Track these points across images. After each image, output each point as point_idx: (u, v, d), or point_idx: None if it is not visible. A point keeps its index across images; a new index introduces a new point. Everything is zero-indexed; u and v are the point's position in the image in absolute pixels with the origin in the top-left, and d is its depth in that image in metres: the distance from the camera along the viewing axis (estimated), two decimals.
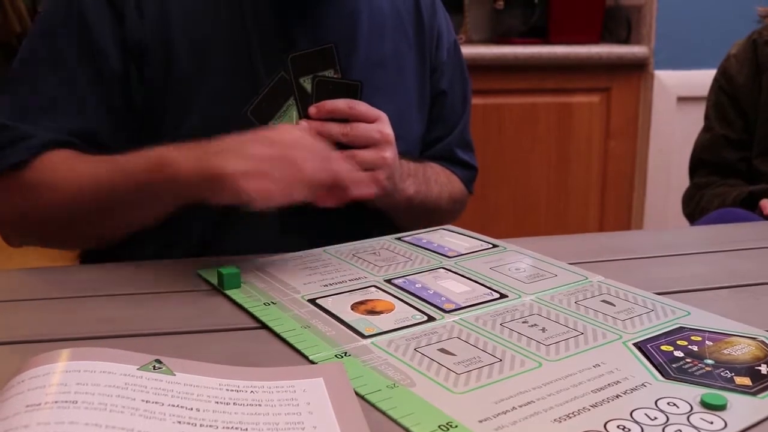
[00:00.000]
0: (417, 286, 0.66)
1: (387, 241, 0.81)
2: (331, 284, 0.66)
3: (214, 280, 0.68)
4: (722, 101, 1.39)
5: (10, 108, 0.80)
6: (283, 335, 0.56)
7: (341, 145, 0.85)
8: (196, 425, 0.41)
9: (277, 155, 0.68)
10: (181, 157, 0.71)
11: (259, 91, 0.85)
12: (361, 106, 0.85)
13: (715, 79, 1.43)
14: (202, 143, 0.72)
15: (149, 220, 0.78)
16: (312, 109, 0.85)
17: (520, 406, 0.45)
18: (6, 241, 0.86)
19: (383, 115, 0.86)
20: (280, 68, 0.85)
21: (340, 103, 0.85)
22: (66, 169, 0.78)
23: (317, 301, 0.62)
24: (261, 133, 0.71)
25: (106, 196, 0.76)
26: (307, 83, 0.87)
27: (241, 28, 0.85)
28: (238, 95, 0.84)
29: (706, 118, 1.44)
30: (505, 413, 0.44)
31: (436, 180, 0.99)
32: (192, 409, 0.42)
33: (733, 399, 0.45)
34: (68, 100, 0.81)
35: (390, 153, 0.85)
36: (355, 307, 0.61)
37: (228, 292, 0.65)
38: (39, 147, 0.78)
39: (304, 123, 0.85)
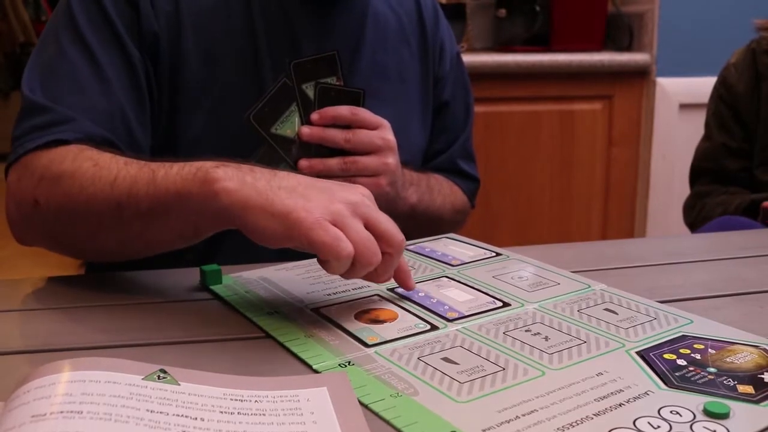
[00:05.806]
0: (420, 294, 0.66)
1: None
2: (334, 293, 0.67)
3: (217, 289, 0.68)
4: (722, 110, 1.39)
5: (41, 87, 0.79)
6: (287, 344, 0.56)
7: (344, 152, 0.86)
8: None
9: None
10: (228, 176, 0.60)
11: (262, 96, 0.85)
12: (364, 113, 0.86)
13: (715, 88, 1.43)
14: (243, 166, 0.62)
15: (165, 241, 0.69)
16: (314, 115, 0.86)
17: (524, 415, 0.45)
18: (15, 236, 0.80)
19: (385, 122, 0.87)
20: (283, 74, 0.86)
21: (343, 110, 0.86)
22: (91, 163, 0.72)
23: (321, 310, 0.63)
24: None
25: (126, 199, 0.67)
26: (309, 90, 0.87)
27: (251, 33, 0.85)
28: (243, 99, 0.85)
29: (706, 126, 1.44)
30: (509, 422, 0.44)
31: (439, 190, 1.00)
32: (196, 418, 0.43)
33: (735, 407, 0.45)
34: (95, 81, 0.79)
35: (392, 159, 0.86)
36: (358, 316, 0.61)
37: (232, 302, 0.65)
38: (77, 132, 0.76)
39: (306, 129, 0.86)
